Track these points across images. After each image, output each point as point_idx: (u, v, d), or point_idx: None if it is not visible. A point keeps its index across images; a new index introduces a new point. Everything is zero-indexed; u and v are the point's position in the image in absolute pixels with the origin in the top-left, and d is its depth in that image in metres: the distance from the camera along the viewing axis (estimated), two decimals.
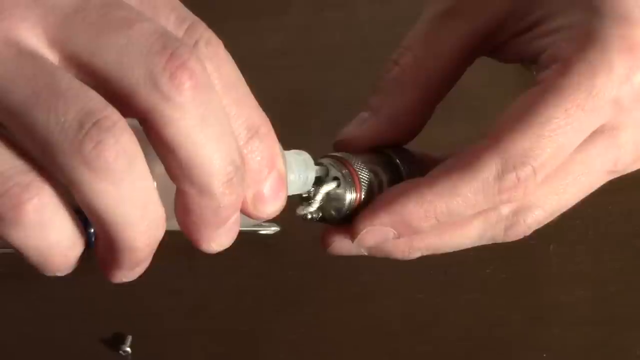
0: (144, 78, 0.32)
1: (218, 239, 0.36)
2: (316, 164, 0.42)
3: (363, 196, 0.42)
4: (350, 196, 0.42)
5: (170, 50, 0.32)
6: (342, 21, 0.81)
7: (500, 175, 0.40)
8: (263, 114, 0.37)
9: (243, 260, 0.68)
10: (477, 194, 0.40)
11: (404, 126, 0.44)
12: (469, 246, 0.44)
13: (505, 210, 0.43)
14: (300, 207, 0.42)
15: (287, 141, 0.73)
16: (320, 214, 0.42)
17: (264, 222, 0.68)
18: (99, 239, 0.35)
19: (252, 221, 0.38)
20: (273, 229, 0.69)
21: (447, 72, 0.44)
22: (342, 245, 0.44)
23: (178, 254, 0.68)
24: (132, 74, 0.32)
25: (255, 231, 0.69)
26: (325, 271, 0.68)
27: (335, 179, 0.42)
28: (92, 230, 0.68)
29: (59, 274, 0.36)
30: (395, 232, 0.41)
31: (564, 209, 0.44)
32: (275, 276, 0.68)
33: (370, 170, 0.42)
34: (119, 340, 0.64)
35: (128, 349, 0.64)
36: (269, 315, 0.67)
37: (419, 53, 0.43)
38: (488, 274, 0.68)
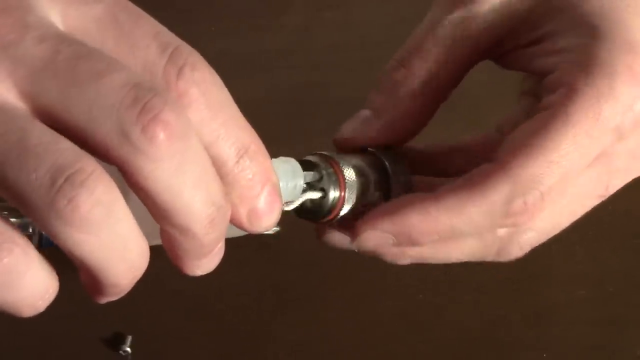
0: (116, 132, 0.32)
1: (202, 267, 0.37)
2: (302, 160, 0.42)
3: (346, 195, 0.42)
4: (333, 194, 0.42)
5: (141, 103, 0.32)
6: (341, 21, 0.81)
7: (510, 200, 0.40)
8: (252, 131, 0.36)
9: (243, 260, 0.68)
10: (484, 215, 0.40)
11: (407, 129, 0.44)
12: (458, 261, 0.44)
13: (502, 232, 0.43)
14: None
15: (287, 141, 0.73)
16: (302, 210, 0.43)
17: None
18: (82, 272, 0.35)
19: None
20: (273, 229, 0.69)
21: (455, 78, 0.44)
22: (336, 238, 0.45)
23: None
24: (103, 128, 0.32)
25: None
26: (325, 271, 0.68)
27: (320, 179, 0.42)
28: None
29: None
30: (395, 240, 0.42)
31: (555, 232, 0.44)
32: (275, 276, 0.68)
33: (358, 170, 0.43)
34: (119, 340, 0.64)
35: (128, 349, 0.64)
36: (269, 315, 0.67)
37: (428, 58, 0.43)
38: (488, 274, 0.68)
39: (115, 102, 0.32)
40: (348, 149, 0.44)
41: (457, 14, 0.43)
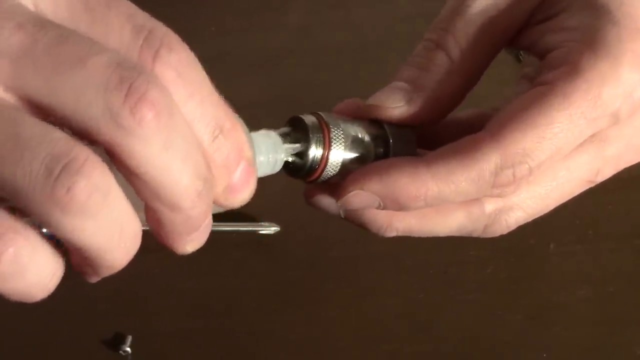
0: (105, 115, 0.32)
1: (192, 242, 0.37)
2: (295, 117, 0.43)
3: (330, 155, 0.42)
4: (314, 152, 0.42)
5: (127, 83, 0.32)
6: (341, 21, 0.81)
7: (498, 170, 0.40)
8: (227, 109, 0.36)
9: (243, 260, 0.68)
10: (472, 183, 0.40)
11: (443, 111, 0.44)
12: (445, 235, 0.44)
13: (489, 207, 0.43)
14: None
15: None
16: (288, 168, 0.43)
17: (264, 222, 0.69)
18: (75, 255, 0.35)
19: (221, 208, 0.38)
20: (273, 229, 0.69)
21: (486, 60, 0.44)
22: (323, 201, 0.44)
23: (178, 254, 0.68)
24: (92, 112, 0.32)
25: (255, 231, 0.69)
26: (325, 271, 0.68)
27: (306, 137, 0.42)
28: None
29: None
30: (381, 203, 0.41)
31: (543, 213, 0.44)
32: (275, 276, 0.68)
33: (354, 135, 0.43)
34: (119, 340, 0.64)
35: (128, 349, 0.64)
36: (269, 315, 0.67)
37: (464, 41, 0.43)
38: (488, 274, 0.68)
39: (101, 85, 0.32)
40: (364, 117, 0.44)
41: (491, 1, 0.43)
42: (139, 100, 0.32)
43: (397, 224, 0.44)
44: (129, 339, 0.64)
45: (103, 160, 0.32)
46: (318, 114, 0.43)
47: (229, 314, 0.66)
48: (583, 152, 0.42)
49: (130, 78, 0.32)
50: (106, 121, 0.32)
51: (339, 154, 0.42)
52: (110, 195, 0.32)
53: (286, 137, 0.42)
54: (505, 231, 0.44)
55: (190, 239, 0.36)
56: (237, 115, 0.39)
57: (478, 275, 0.68)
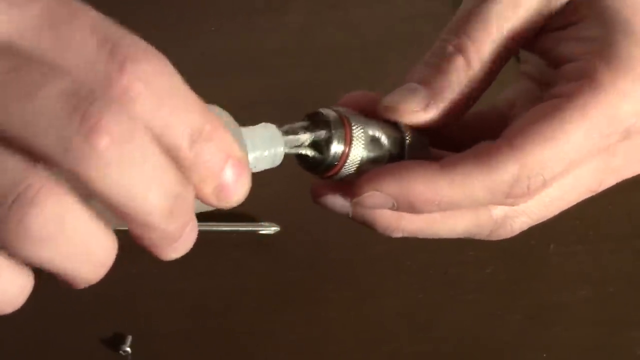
0: (59, 145, 0.31)
1: (176, 251, 0.36)
2: (316, 112, 0.42)
3: (351, 152, 0.42)
4: (336, 149, 0.42)
5: (80, 111, 0.31)
6: (341, 21, 0.81)
7: (515, 181, 0.40)
8: (205, 112, 0.35)
9: (243, 260, 0.68)
10: (487, 192, 0.40)
11: (457, 117, 0.43)
12: (448, 237, 0.44)
13: (497, 213, 0.44)
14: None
15: None
16: (307, 162, 0.42)
17: (264, 222, 0.69)
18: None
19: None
20: (273, 229, 0.69)
21: (503, 65, 0.44)
22: (331, 199, 0.44)
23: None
24: (47, 141, 0.31)
25: (255, 231, 0.69)
26: (325, 271, 0.68)
27: (328, 133, 0.42)
28: None
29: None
30: (395, 204, 0.41)
31: (546, 218, 0.45)
32: (275, 276, 0.68)
33: (372, 134, 0.42)
34: (119, 340, 0.64)
35: (128, 349, 0.64)
36: (269, 315, 0.66)
37: (483, 48, 0.43)
38: (488, 274, 0.68)
39: (54, 114, 0.31)
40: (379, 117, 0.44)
41: (509, 2, 0.43)
42: (93, 128, 0.31)
43: (405, 225, 0.44)
44: (129, 339, 0.64)
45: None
46: (338, 109, 0.43)
47: (228, 314, 0.66)
48: (589, 163, 0.42)
49: (84, 105, 0.31)
50: (62, 150, 0.31)
51: (359, 152, 0.42)
52: (68, 221, 0.32)
53: (303, 132, 0.42)
54: (509, 235, 0.45)
55: (173, 248, 0.36)
56: (225, 112, 0.38)
57: (478, 276, 0.68)
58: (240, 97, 0.74)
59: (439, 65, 0.43)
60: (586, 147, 0.40)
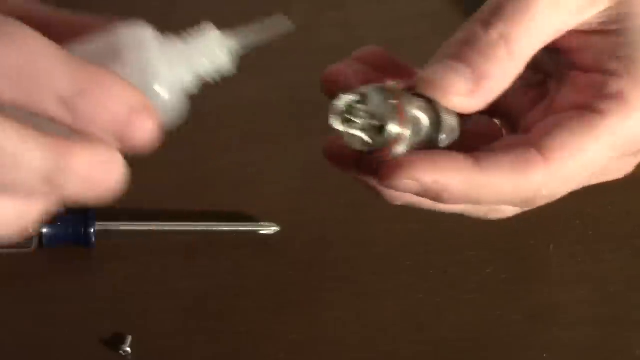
0: None
1: (98, 188, 0.35)
2: (363, 88, 0.41)
3: (406, 134, 0.40)
4: (396, 130, 0.40)
5: None
6: (341, 21, 0.81)
7: (537, 191, 0.41)
8: (74, 70, 0.34)
9: (243, 260, 0.68)
10: (513, 197, 0.41)
11: (490, 105, 0.43)
12: (444, 212, 0.45)
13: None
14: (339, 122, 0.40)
15: (287, 141, 0.73)
16: (360, 141, 0.40)
17: (264, 222, 0.69)
18: None
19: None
20: (273, 229, 0.69)
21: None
22: (353, 173, 0.44)
23: (178, 254, 0.68)
24: None
25: (255, 231, 0.69)
26: (325, 271, 0.68)
27: (380, 107, 0.40)
28: (93, 230, 0.68)
29: None
30: (422, 190, 0.41)
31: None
32: (275, 276, 0.68)
33: (416, 121, 0.41)
34: (119, 340, 0.64)
35: (128, 349, 0.64)
36: (269, 315, 0.66)
37: (526, 40, 0.42)
38: (488, 274, 0.68)
39: None
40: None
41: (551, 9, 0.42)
42: None
43: (409, 199, 0.43)
44: (129, 339, 0.64)
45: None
46: (391, 87, 0.41)
47: (228, 314, 0.66)
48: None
49: None
50: None
51: (409, 135, 0.41)
52: None
53: (356, 109, 0.40)
54: (500, 217, 0.46)
55: (92, 193, 0.35)
56: (145, 28, 0.38)
57: (478, 276, 0.68)
58: (240, 97, 0.74)
59: (482, 50, 0.42)
60: (605, 162, 0.42)
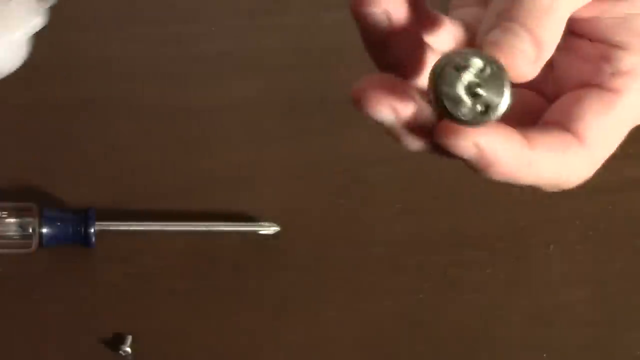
0: None
1: None
2: (489, 59, 0.37)
3: (500, 105, 0.37)
4: (508, 102, 0.37)
5: None
6: (341, 21, 0.81)
7: (572, 175, 0.42)
8: None
9: (243, 260, 0.68)
10: (550, 178, 0.42)
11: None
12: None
13: None
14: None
15: (287, 141, 0.73)
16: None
17: (264, 222, 0.69)
18: None
19: None
20: (273, 229, 0.69)
21: None
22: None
23: (178, 254, 0.68)
24: None
25: (255, 231, 0.69)
26: (325, 271, 0.68)
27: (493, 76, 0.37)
28: (93, 230, 0.68)
29: None
30: (473, 158, 0.39)
31: None
32: (275, 276, 0.68)
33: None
34: (119, 340, 0.64)
35: (128, 349, 0.64)
36: (268, 315, 0.66)
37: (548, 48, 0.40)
38: (488, 274, 0.68)
39: None
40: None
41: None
42: None
43: (427, 148, 0.41)
44: (129, 339, 0.64)
45: None
46: (498, 61, 0.38)
47: (228, 314, 0.66)
48: None
49: None
50: None
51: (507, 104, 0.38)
52: None
53: (483, 79, 0.37)
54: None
55: None
56: None
57: (478, 276, 0.68)
58: (240, 97, 0.74)
59: (538, 16, 0.39)
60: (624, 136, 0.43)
